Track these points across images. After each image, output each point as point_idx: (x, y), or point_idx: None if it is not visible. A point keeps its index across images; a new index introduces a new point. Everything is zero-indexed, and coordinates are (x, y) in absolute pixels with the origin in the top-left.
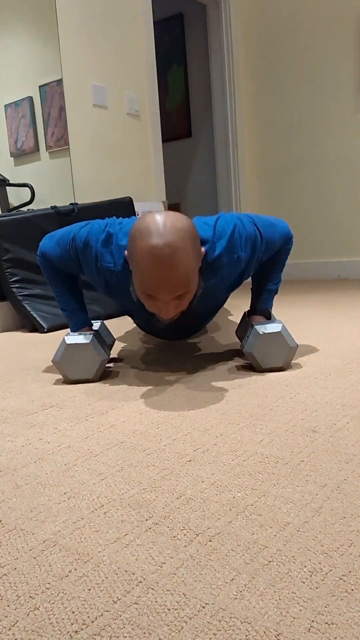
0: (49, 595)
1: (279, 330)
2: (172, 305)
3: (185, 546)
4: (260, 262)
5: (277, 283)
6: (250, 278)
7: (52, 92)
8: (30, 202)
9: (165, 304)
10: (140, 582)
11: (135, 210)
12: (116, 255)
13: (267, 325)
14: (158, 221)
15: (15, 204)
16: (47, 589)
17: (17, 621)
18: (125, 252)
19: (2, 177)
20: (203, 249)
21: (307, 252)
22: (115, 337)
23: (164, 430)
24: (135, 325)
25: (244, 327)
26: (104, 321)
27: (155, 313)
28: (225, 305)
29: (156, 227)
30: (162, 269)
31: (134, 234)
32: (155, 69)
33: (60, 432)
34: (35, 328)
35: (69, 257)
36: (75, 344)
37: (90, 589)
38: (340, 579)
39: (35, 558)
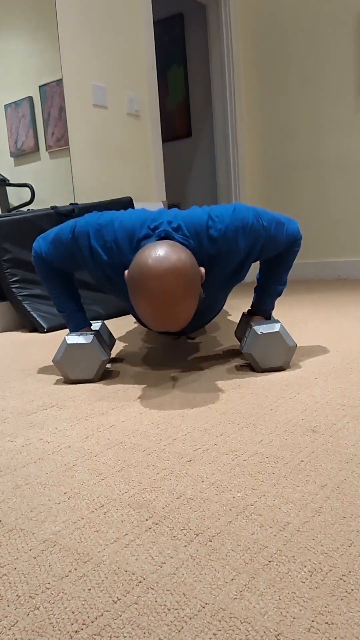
0: (49, 595)
1: (277, 330)
2: None
3: (185, 546)
4: (262, 258)
5: (281, 285)
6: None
7: (52, 92)
8: (30, 202)
9: None
10: (140, 582)
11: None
12: (114, 252)
13: (265, 325)
14: (155, 263)
15: (15, 204)
16: (47, 589)
17: (17, 621)
18: (125, 274)
19: (2, 177)
20: (202, 269)
21: (307, 252)
22: (115, 337)
23: (164, 430)
24: (135, 325)
25: (243, 327)
26: (105, 321)
27: None
28: (224, 306)
29: (154, 271)
30: (162, 316)
31: (132, 275)
32: (155, 69)
33: (60, 432)
34: (35, 328)
35: (67, 253)
36: (76, 344)
37: (90, 589)
38: (340, 579)
39: (35, 558)
